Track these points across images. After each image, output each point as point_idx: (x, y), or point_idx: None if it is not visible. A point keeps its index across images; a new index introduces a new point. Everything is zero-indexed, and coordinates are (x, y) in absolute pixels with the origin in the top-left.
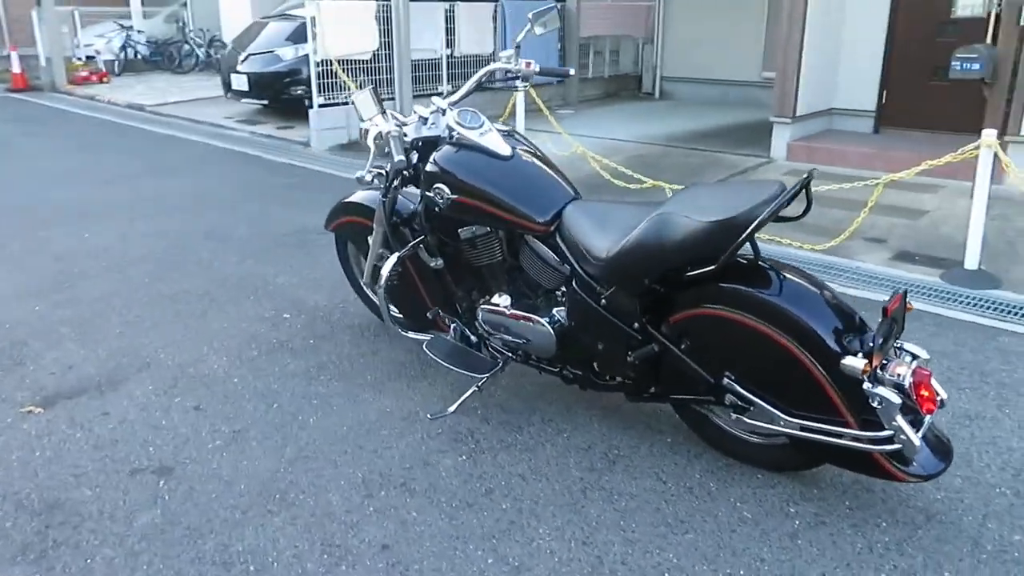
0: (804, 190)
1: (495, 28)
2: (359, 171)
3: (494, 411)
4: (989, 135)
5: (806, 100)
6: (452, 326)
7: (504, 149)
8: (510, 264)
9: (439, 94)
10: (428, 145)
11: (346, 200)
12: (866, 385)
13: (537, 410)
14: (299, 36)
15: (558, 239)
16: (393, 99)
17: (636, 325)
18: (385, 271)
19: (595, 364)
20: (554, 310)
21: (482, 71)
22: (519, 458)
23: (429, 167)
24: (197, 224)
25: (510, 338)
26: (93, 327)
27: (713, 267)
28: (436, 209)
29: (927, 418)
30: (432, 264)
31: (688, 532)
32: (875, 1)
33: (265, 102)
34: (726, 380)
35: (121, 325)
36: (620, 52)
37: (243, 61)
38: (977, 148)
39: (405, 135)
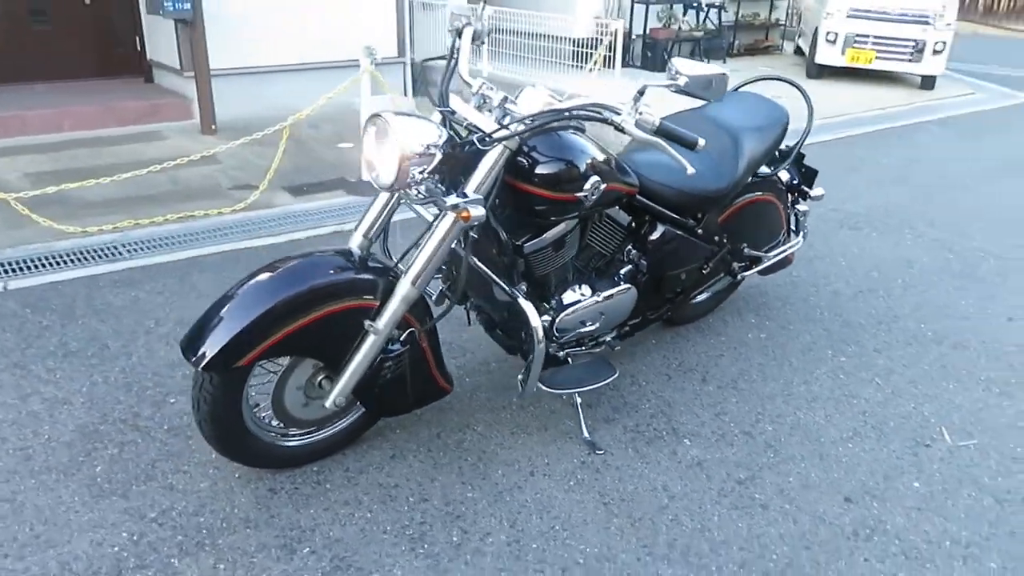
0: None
1: None
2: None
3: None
4: (366, 64)
5: None
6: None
7: None
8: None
9: None
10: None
11: (291, 293)
12: (799, 205)
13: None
14: None
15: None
16: None
17: (717, 238)
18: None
19: (647, 303)
20: (621, 271)
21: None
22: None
23: (556, 165)
24: None
25: (594, 328)
26: None
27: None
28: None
29: None
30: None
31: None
32: None
33: None
34: (746, 250)
35: None
36: None
37: None
38: (359, 77)
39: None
